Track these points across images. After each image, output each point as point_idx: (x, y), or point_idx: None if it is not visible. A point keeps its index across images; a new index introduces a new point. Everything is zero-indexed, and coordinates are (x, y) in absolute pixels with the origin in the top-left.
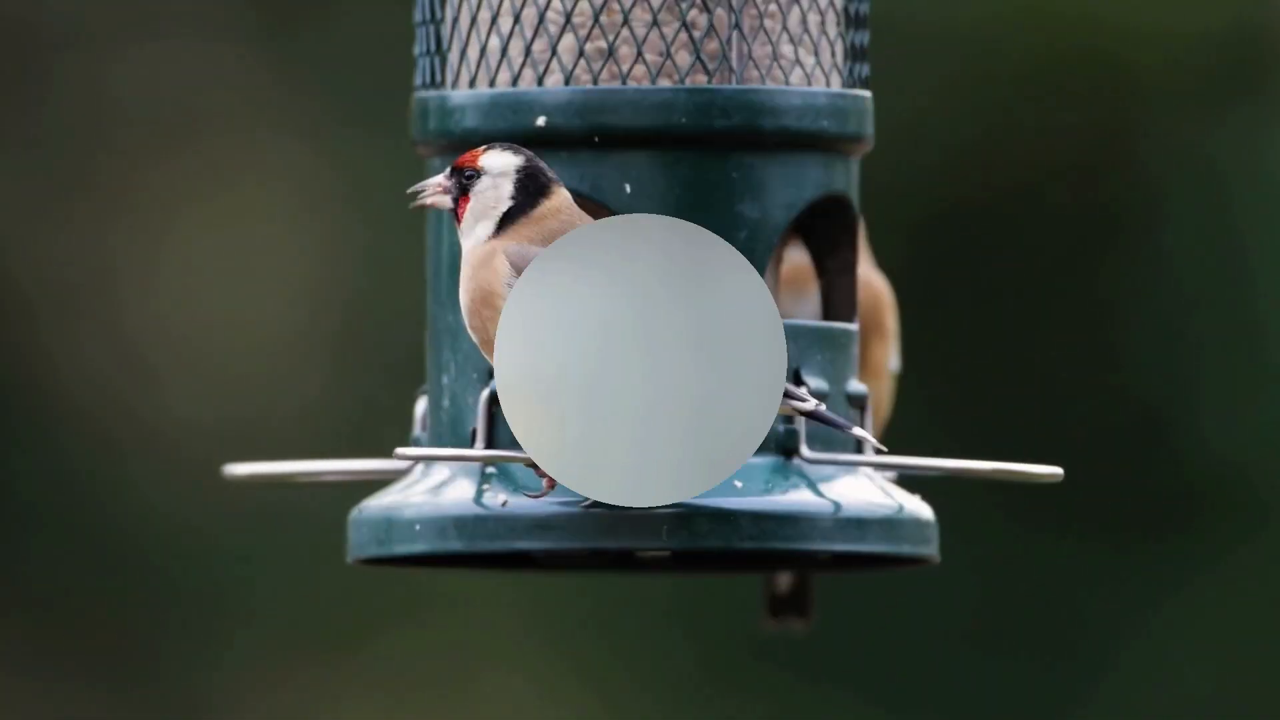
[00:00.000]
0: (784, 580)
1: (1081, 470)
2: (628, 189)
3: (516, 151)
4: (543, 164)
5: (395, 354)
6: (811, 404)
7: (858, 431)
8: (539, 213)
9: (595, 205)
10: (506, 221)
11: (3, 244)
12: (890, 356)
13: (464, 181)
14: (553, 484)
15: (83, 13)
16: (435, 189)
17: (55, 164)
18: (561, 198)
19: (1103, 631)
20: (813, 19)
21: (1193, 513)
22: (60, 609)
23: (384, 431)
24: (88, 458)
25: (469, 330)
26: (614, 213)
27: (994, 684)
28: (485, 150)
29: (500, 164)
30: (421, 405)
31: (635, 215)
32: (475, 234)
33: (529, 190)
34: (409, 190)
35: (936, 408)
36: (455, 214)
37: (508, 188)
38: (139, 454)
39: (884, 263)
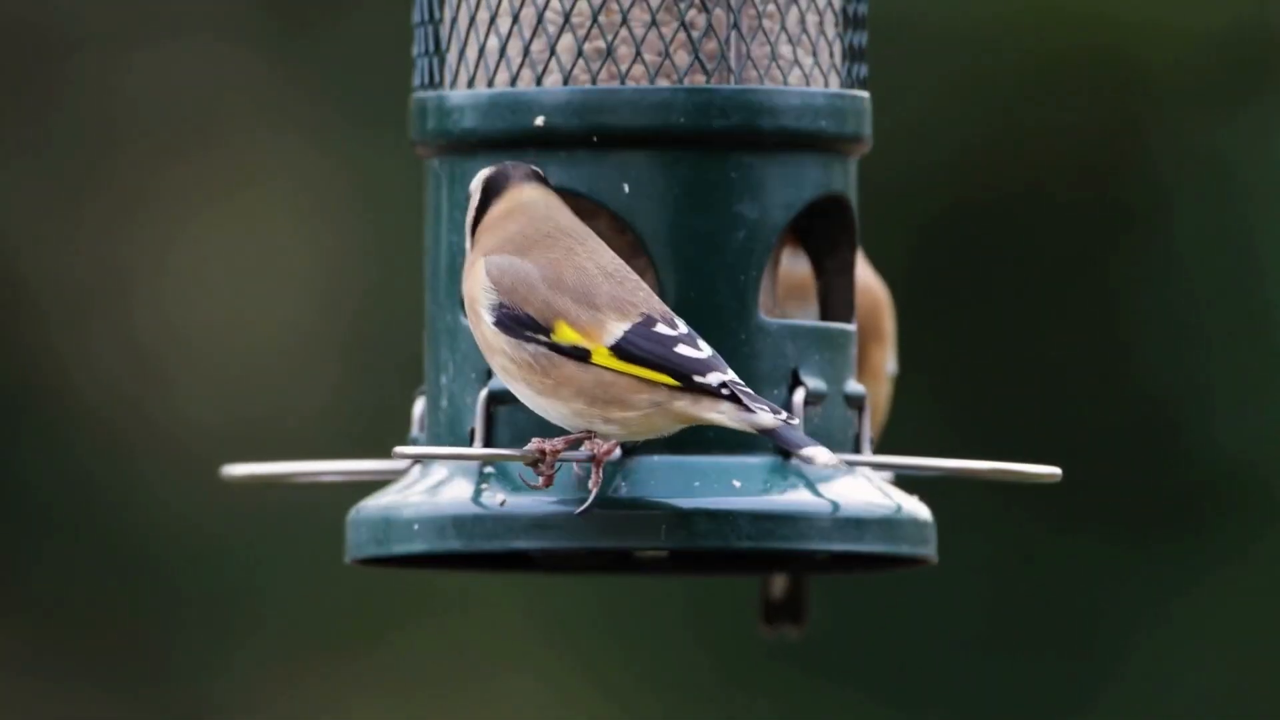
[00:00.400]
0: (779, 586)
1: (1091, 469)
2: (626, 189)
3: (495, 166)
4: (513, 168)
5: (406, 354)
6: (769, 420)
7: (807, 453)
8: (492, 216)
9: (594, 205)
10: (475, 231)
11: (14, 246)
12: (888, 360)
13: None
14: (549, 482)
15: (92, 15)
16: None
17: (66, 166)
18: (518, 197)
19: (1112, 631)
20: (811, 19)
21: (1203, 511)
22: (70, 609)
23: (396, 432)
24: (98, 459)
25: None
26: (613, 213)
27: (1004, 684)
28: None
29: (476, 181)
30: (420, 405)
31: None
32: (466, 246)
33: (487, 195)
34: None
35: (942, 408)
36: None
37: (475, 200)
38: (149, 455)
39: (886, 263)
